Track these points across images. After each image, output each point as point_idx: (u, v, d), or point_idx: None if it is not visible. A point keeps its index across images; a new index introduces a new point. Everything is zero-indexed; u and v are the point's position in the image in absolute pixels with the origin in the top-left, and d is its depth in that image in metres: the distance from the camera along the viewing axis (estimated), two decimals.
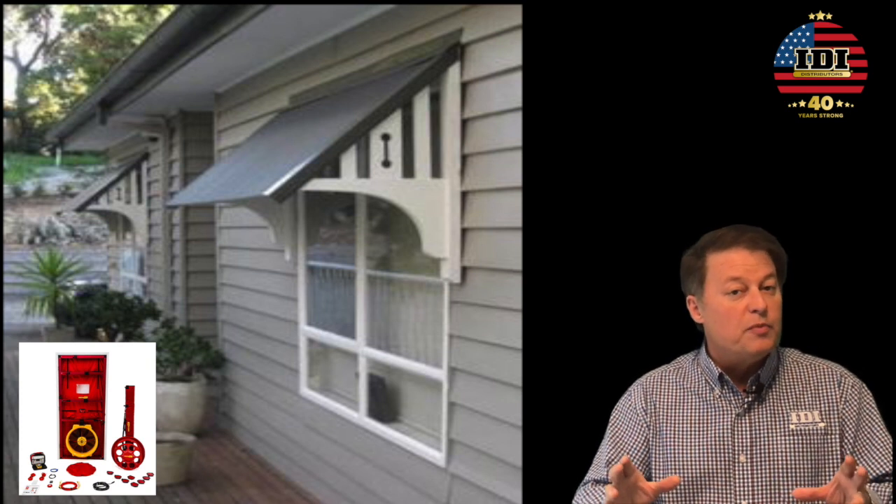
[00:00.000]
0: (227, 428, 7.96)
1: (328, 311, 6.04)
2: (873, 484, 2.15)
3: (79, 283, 14.56)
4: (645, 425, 2.32)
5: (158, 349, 7.90)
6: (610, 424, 2.40)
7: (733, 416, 2.23)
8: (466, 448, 4.29)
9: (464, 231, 4.26)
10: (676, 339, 2.43)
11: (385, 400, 5.31)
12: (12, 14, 38.67)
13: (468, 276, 4.24)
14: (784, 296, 2.29)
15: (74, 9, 36.45)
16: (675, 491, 2.24)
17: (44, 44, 41.09)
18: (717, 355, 2.27)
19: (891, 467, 2.20)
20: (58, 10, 38.83)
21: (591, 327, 2.85)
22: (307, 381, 6.22)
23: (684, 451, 2.24)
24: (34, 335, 13.80)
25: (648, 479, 2.32)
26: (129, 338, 10.11)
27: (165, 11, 28.28)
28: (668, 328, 2.47)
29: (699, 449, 2.23)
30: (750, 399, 2.23)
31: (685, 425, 2.27)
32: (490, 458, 4.06)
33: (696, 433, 2.25)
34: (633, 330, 2.81)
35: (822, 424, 2.20)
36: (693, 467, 2.23)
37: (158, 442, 6.53)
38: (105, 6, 35.73)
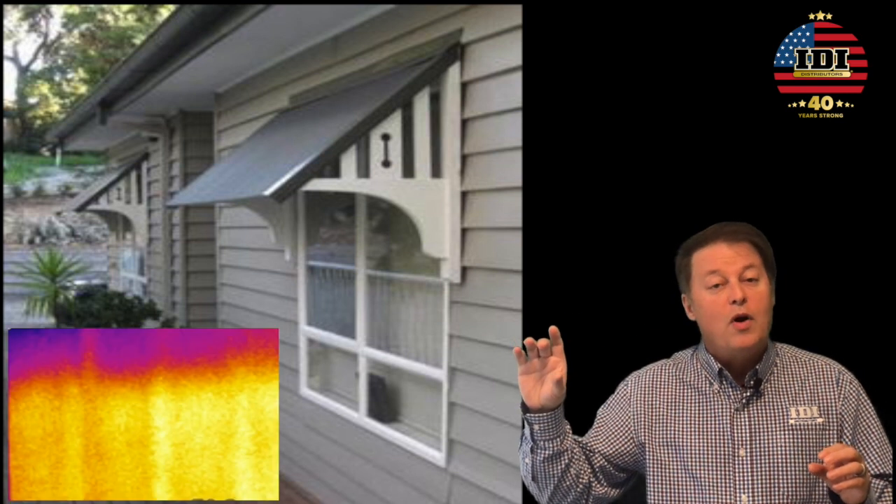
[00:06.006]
0: None
1: (328, 311, 6.04)
2: (872, 479, 2.16)
3: (79, 283, 14.54)
4: (632, 417, 2.32)
5: None
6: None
7: (732, 410, 2.24)
8: (466, 448, 4.29)
9: (464, 231, 4.26)
10: (677, 339, 2.42)
11: (385, 400, 5.31)
12: (12, 14, 38.69)
13: (468, 276, 4.24)
14: (783, 294, 2.29)
15: (74, 9, 36.47)
16: (675, 485, 2.25)
17: (44, 44, 41.11)
18: (712, 351, 2.28)
19: (888, 467, 2.21)
20: (58, 10, 38.87)
21: (590, 327, 2.84)
22: (307, 381, 6.22)
23: (683, 445, 2.25)
24: None
25: (642, 477, 2.32)
26: None
27: (165, 11, 28.28)
28: (669, 328, 2.47)
29: (699, 443, 2.24)
30: (748, 394, 2.24)
31: (684, 419, 2.27)
32: (490, 458, 4.06)
33: (696, 427, 2.25)
34: (633, 330, 2.81)
35: (820, 420, 2.21)
36: (692, 461, 2.23)
37: None
38: (105, 6, 35.75)
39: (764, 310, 2.21)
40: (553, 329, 2.11)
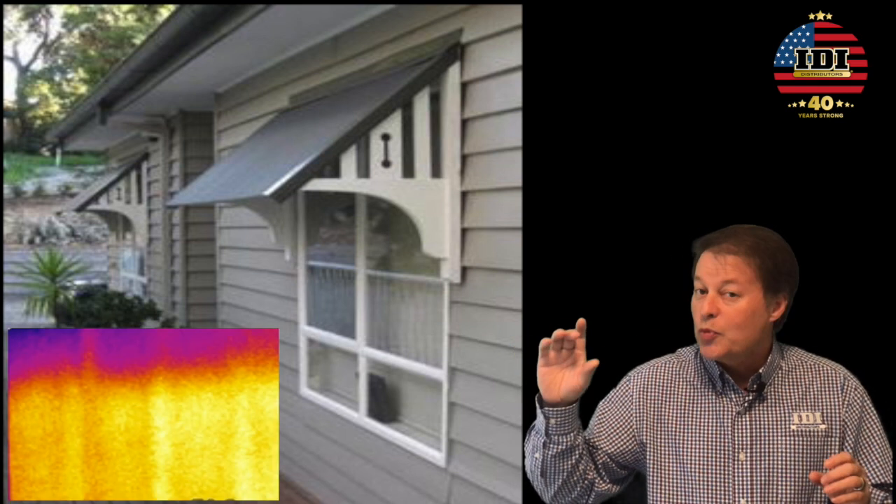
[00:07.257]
0: None
1: (328, 311, 6.04)
2: (872, 490, 2.15)
3: (79, 283, 14.53)
4: (635, 414, 2.32)
5: None
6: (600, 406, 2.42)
7: (734, 413, 2.22)
8: (466, 448, 4.29)
9: (464, 231, 4.26)
10: (677, 339, 2.42)
11: (385, 400, 5.31)
12: (12, 14, 38.70)
13: (468, 276, 4.24)
14: None
15: (74, 9, 36.47)
16: (674, 486, 2.25)
17: (44, 44, 41.11)
18: None
19: (888, 477, 2.19)
20: (58, 10, 38.87)
21: (591, 327, 2.84)
22: (307, 381, 6.22)
23: (684, 446, 2.24)
24: None
25: (641, 474, 2.32)
26: None
27: (165, 11, 28.29)
28: (669, 327, 2.47)
29: (699, 444, 2.23)
30: (751, 397, 2.22)
31: (686, 420, 2.26)
32: (490, 458, 4.06)
33: (697, 428, 2.24)
34: (633, 330, 2.81)
35: (823, 426, 2.20)
36: (692, 462, 2.23)
37: None
38: (105, 6, 35.75)
39: (736, 325, 2.16)
40: (581, 321, 2.13)
